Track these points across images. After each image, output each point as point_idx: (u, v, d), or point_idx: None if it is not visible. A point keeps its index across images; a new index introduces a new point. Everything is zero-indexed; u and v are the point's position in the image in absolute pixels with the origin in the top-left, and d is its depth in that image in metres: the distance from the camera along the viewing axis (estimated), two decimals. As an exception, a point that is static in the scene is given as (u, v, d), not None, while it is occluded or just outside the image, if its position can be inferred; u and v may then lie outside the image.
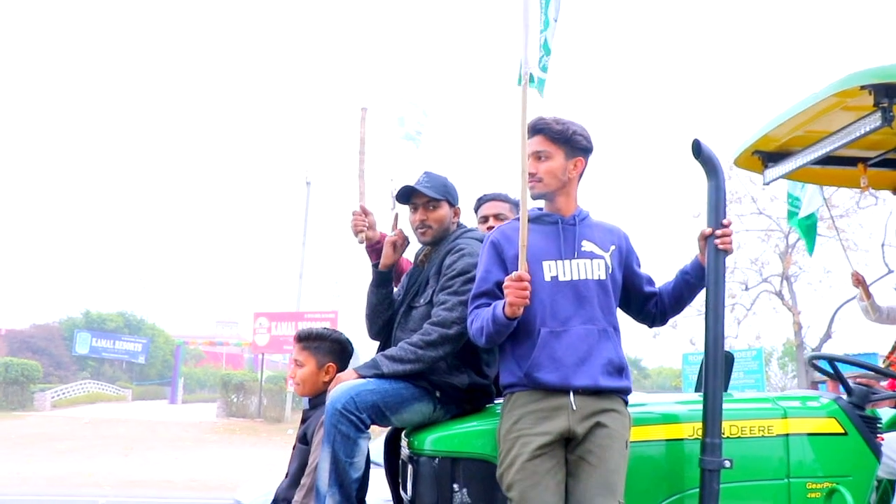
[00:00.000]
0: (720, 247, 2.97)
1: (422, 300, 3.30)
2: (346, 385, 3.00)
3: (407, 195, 3.38)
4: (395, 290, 3.61)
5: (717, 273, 2.97)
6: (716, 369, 2.94)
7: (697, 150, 3.01)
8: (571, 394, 2.80)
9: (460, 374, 3.15)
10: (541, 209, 3.08)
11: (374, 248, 3.83)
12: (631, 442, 2.89)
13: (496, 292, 2.91)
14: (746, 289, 23.23)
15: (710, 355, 2.96)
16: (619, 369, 2.89)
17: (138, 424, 24.45)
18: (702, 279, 3.05)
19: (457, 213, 3.47)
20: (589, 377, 2.80)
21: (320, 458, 2.96)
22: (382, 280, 3.48)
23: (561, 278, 2.89)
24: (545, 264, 2.90)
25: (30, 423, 24.64)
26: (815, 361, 4.17)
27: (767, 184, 4.39)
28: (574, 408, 2.79)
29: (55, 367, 39.28)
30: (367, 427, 2.98)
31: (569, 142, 2.95)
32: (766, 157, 4.19)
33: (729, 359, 4.01)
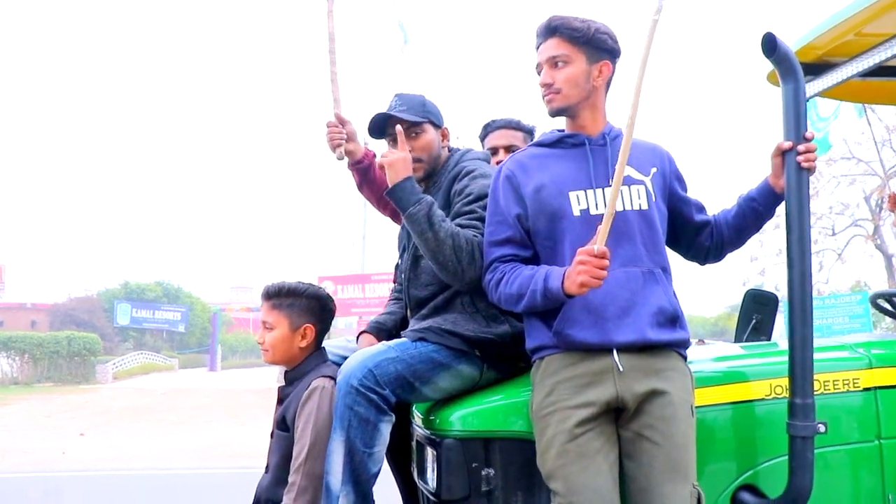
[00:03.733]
0: (803, 164, 2.25)
1: None
2: (360, 355, 2.28)
3: (380, 125, 2.59)
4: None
5: (800, 197, 2.24)
6: (804, 315, 2.22)
7: (772, 45, 2.25)
8: (615, 352, 2.12)
9: (499, 325, 2.42)
10: (561, 130, 2.35)
11: (358, 167, 3.06)
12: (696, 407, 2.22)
13: (524, 239, 2.24)
14: (833, 234, 21.32)
15: (797, 297, 2.24)
16: (673, 319, 2.19)
17: (214, 394, 23.45)
18: (772, 206, 2.37)
19: (445, 136, 2.68)
20: (635, 330, 2.12)
21: (331, 448, 2.25)
22: None
23: (593, 211, 2.18)
24: (572, 195, 2.20)
25: (106, 395, 23.70)
26: (878, 301, 3.58)
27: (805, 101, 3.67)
28: (621, 369, 2.10)
29: (100, 339, 39.02)
30: (391, 407, 2.27)
31: (590, 42, 2.23)
32: (804, 69, 3.44)
33: (773, 301, 3.37)
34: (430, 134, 2.60)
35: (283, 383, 2.61)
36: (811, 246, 2.30)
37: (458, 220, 2.41)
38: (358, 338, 2.80)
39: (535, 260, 2.26)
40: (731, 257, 2.52)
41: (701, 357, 2.56)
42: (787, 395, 2.26)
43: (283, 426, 2.51)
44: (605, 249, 1.98)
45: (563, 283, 2.05)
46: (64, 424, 15.40)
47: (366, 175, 3.06)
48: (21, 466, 9.96)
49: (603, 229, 1.98)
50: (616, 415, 2.15)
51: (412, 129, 2.57)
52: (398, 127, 2.48)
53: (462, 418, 2.30)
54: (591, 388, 2.11)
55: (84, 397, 23.09)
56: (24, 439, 13.06)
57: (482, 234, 2.35)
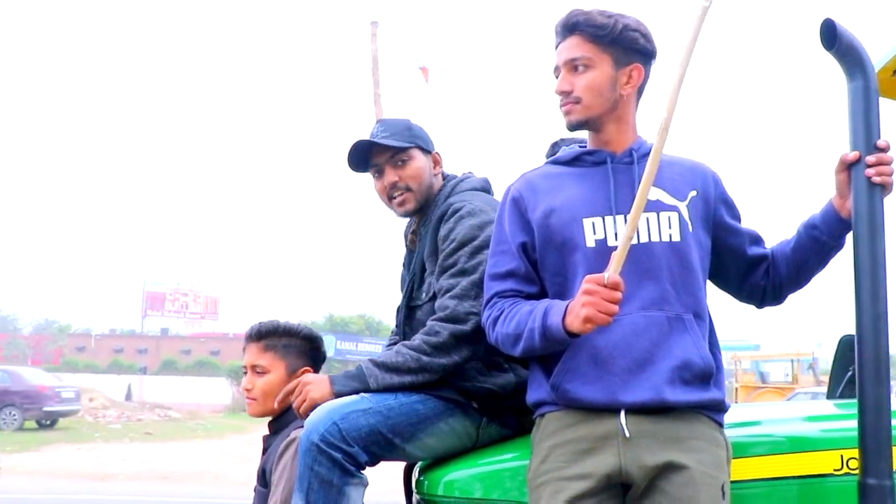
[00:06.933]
0: (875, 179, 1.72)
1: (423, 295, 2.18)
2: (327, 406, 1.89)
3: (362, 155, 2.25)
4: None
5: (871, 221, 1.71)
6: (878, 370, 1.67)
7: (831, 35, 1.74)
8: (622, 414, 1.66)
9: (502, 373, 2.02)
10: (582, 145, 1.93)
11: None
12: (733, 483, 1.71)
13: (529, 272, 1.82)
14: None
15: (868, 349, 1.69)
16: (703, 375, 1.71)
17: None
18: (838, 235, 1.84)
19: (437, 162, 2.31)
20: (649, 388, 1.66)
21: None
22: None
23: (611, 242, 1.73)
24: (587, 223, 1.76)
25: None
26: None
27: None
28: (627, 434, 1.64)
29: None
30: (362, 467, 1.88)
31: (618, 42, 1.78)
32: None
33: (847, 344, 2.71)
34: (419, 160, 2.25)
35: (269, 432, 2.29)
36: (886, 276, 1.74)
37: (440, 280, 2.06)
38: None
39: (542, 297, 1.83)
40: None
41: (755, 417, 2.04)
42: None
43: (263, 481, 2.18)
44: (618, 279, 1.56)
45: (564, 318, 1.63)
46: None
47: None
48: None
49: (618, 254, 1.56)
50: (624, 491, 1.69)
51: (398, 156, 2.23)
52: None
53: (452, 483, 1.90)
54: (589, 456, 1.67)
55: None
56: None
57: (458, 292, 2.00)
